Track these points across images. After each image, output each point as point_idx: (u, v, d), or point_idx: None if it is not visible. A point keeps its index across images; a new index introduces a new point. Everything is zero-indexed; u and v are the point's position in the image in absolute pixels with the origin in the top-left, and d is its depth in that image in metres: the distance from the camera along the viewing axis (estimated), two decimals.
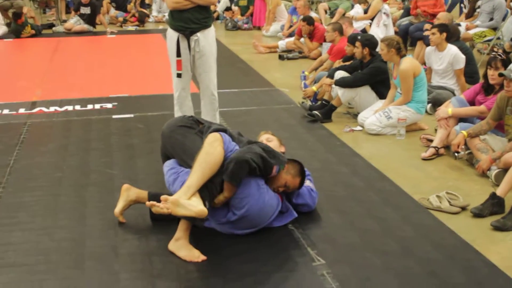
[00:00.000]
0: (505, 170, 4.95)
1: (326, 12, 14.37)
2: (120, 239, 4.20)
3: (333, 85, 7.26)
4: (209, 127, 4.30)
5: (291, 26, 13.23)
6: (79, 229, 4.36)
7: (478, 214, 4.56)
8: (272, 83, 9.26)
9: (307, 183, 4.53)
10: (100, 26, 15.51)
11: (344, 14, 11.99)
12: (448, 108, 6.01)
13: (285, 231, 4.28)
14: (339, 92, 7.13)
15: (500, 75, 5.36)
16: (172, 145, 4.34)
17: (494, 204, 4.60)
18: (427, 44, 8.15)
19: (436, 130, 6.29)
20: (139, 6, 17.05)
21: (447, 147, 5.96)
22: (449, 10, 11.68)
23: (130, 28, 16.18)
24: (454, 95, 7.28)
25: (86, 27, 15.21)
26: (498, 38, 10.07)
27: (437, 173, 5.54)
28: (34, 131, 6.87)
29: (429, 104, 7.32)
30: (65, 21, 16.33)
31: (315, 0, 16.38)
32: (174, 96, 5.89)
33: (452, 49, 7.52)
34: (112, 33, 15.04)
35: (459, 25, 9.66)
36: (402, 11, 12.40)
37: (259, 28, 15.49)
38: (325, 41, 10.19)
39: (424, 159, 5.85)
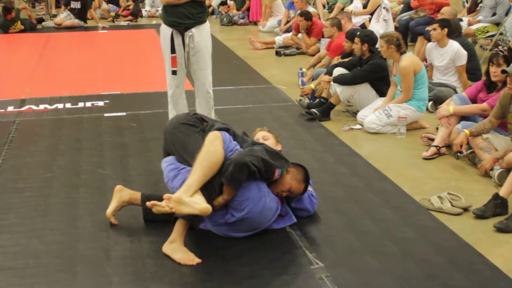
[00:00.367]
0: (508, 170, 4.97)
1: (324, 6, 14.39)
2: (112, 241, 4.20)
3: (332, 82, 7.26)
4: (212, 126, 4.29)
5: (288, 21, 13.23)
6: (70, 231, 4.35)
7: (481, 215, 4.57)
8: (269, 80, 9.27)
9: (308, 187, 4.54)
10: (91, 21, 15.52)
11: (342, 9, 11.99)
12: (449, 106, 6.02)
13: (283, 233, 4.29)
14: (338, 90, 7.13)
15: (503, 72, 5.37)
16: (174, 142, 4.35)
17: (497, 205, 4.60)
18: (428, 39, 8.15)
19: (437, 128, 6.30)
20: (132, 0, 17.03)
21: (448, 146, 5.98)
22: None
23: (123, 23, 16.18)
24: (456, 92, 7.29)
25: (76, 22, 15.21)
26: (501, 34, 10.09)
27: (438, 173, 5.55)
28: (23, 130, 6.87)
29: (430, 102, 7.33)
30: (55, 15, 16.33)
31: None
32: (168, 94, 5.90)
33: (454, 45, 7.53)
34: (103, 28, 15.05)
35: (461, 20, 9.68)
36: (402, 5, 12.42)
37: (255, 23, 15.50)
38: (323, 36, 10.21)
39: (425, 159, 5.86)
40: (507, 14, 10.22)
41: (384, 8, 10.88)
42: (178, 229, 4.01)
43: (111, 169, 5.57)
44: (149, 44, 12.87)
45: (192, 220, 3.99)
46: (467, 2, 11.59)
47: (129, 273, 3.79)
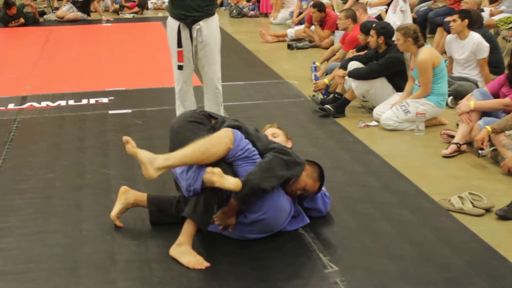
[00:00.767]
0: None
1: None
2: (117, 244, 4.22)
3: (346, 77, 7.26)
4: (223, 122, 4.27)
5: (300, 13, 13.23)
6: (73, 234, 4.37)
7: (504, 216, 4.55)
8: (281, 75, 9.27)
9: None
10: (95, 13, 15.57)
11: (357, 0, 11.97)
12: (470, 101, 6.00)
13: (295, 235, 4.29)
14: (353, 85, 7.13)
15: None
16: (180, 141, 4.31)
17: None
18: (448, 31, 8.12)
19: (457, 125, 6.28)
20: None
21: (469, 143, 5.96)
22: None
23: (127, 15, 16.23)
24: (477, 86, 7.27)
25: (79, 15, 15.27)
26: None
27: (459, 172, 5.54)
28: (24, 128, 6.90)
29: (450, 97, 7.31)
30: (57, 8, 16.41)
31: None
32: (175, 90, 5.91)
33: (475, 37, 7.51)
34: (107, 21, 15.10)
35: (482, 10, 9.64)
36: None
37: (266, 15, 15.51)
38: (337, 29, 10.19)
39: (445, 157, 5.85)
40: None
41: None
42: (187, 231, 4.02)
43: (116, 169, 5.59)
44: (155, 37, 12.90)
45: (203, 219, 3.99)
46: None
47: (134, 278, 3.81)
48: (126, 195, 4.49)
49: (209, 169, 3.86)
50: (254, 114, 7.26)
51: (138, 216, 4.52)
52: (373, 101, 7.25)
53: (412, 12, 11.24)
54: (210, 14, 5.68)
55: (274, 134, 4.83)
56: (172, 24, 5.68)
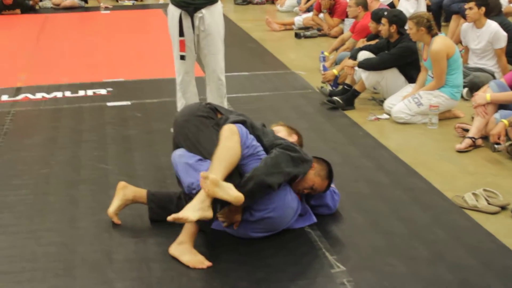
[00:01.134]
0: None
1: None
2: (115, 243, 4.24)
3: (356, 68, 7.26)
4: (226, 119, 4.30)
5: (308, 0, 13.21)
6: (69, 232, 4.39)
7: None
8: (287, 65, 9.27)
9: None
10: (93, 0, 15.55)
11: None
12: (486, 93, 5.99)
13: (301, 233, 4.31)
14: (363, 76, 7.13)
15: None
16: (185, 137, 4.32)
17: None
18: (465, 17, 8.09)
19: (472, 118, 6.28)
20: None
21: (485, 137, 5.96)
22: None
23: (127, 2, 16.22)
24: (494, 78, 7.26)
25: (76, 1, 15.28)
26: None
27: (473, 167, 5.54)
28: (18, 121, 6.93)
29: (465, 89, 7.30)
30: None
31: None
32: (176, 81, 5.92)
33: (492, 26, 7.50)
34: (106, 8, 15.10)
35: None
36: None
37: (272, 2, 15.50)
38: (347, 17, 10.19)
39: (459, 152, 5.85)
40: None
41: None
42: (188, 230, 4.03)
43: (114, 164, 5.61)
44: (156, 26, 12.91)
45: (204, 224, 4.01)
46: None
47: (133, 278, 3.83)
48: (125, 191, 4.50)
49: (203, 173, 3.86)
50: (259, 106, 7.27)
51: (137, 213, 4.54)
52: (384, 93, 7.25)
53: None
54: (213, 1, 5.68)
55: (276, 131, 4.82)
56: (173, 12, 5.69)
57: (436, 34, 6.66)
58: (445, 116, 6.72)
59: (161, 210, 4.42)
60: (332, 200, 4.55)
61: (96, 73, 8.94)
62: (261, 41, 11.16)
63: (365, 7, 9.00)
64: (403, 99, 6.75)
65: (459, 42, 8.38)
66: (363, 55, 7.28)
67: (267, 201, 4.10)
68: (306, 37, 11.41)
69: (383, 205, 4.74)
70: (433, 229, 4.36)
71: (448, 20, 10.56)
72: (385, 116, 6.88)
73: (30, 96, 7.83)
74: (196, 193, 3.98)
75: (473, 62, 7.73)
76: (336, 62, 8.47)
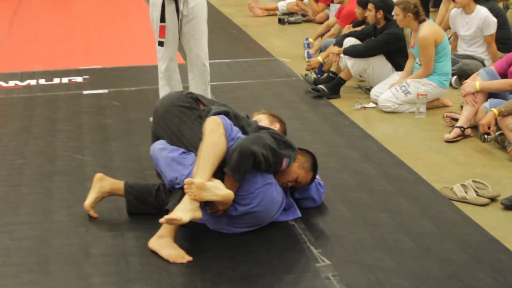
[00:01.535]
0: None
1: None
2: (91, 237, 4.22)
3: (342, 55, 7.26)
4: (209, 111, 4.28)
5: None
6: (44, 226, 4.37)
7: (510, 206, 4.58)
8: (270, 52, 9.27)
9: None
10: None
11: None
12: (476, 82, 6.01)
13: (285, 227, 4.31)
14: (349, 63, 7.13)
15: None
16: (166, 128, 4.31)
17: None
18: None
19: (461, 107, 6.30)
20: None
21: (474, 127, 5.98)
22: None
23: None
24: (484, 65, 7.29)
25: None
26: None
27: (462, 157, 5.57)
28: None
29: (454, 77, 7.33)
30: None
31: None
32: (159, 69, 5.89)
33: (482, 12, 7.52)
34: None
35: None
36: None
37: None
38: (332, 2, 10.19)
39: (447, 142, 5.87)
40: None
41: None
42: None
43: (90, 155, 5.58)
44: (135, 10, 12.84)
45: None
46: None
47: (110, 273, 3.81)
48: (102, 183, 4.48)
49: (187, 180, 3.86)
50: (241, 94, 7.26)
51: (114, 206, 4.53)
52: (371, 80, 7.26)
53: None
54: None
55: (258, 119, 4.81)
56: None
57: (424, 20, 6.66)
58: (434, 105, 6.75)
59: (139, 203, 4.42)
60: (317, 192, 4.56)
61: (71, 59, 8.90)
62: (243, 27, 11.13)
63: None
64: (390, 87, 6.77)
65: (448, 28, 8.39)
66: (349, 41, 7.27)
67: (251, 194, 4.09)
68: (290, 23, 11.40)
69: (369, 197, 4.74)
70: (421, 222, 4.37)
71: (437, 5, 10.57)
72: (371, 105, 6.89)
73: (2, 83, 7.77)
74: (180, 187, 3.98)
75: (462, 49, 7.75)
76: (321, 49, 8.46)
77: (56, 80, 7.88)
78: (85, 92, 7.40)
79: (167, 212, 4.01)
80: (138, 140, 5.82)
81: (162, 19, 5.65)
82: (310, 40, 9.09)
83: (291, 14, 11.83)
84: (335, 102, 7.00)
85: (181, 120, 4.28)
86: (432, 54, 6.60)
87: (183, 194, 3.94)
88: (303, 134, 5.92)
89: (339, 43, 7.39)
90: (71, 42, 10.10)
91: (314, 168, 4.40)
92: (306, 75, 7.73)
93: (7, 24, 11.46)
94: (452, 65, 6.96)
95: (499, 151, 5.64)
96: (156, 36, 5.75)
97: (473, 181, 4.83)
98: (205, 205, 4.02)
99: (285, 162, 4.23)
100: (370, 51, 7.09)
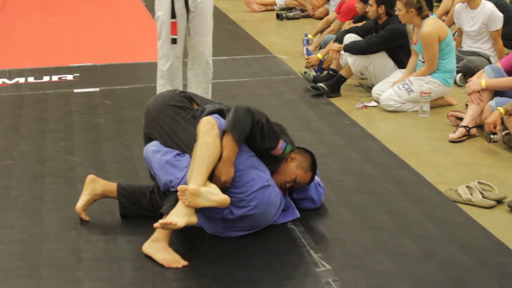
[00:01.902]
0: None
1: None
2: (83, 240, 4.22)
3: (342, 51, 7.27)
4: (203, 111, 4.29)
5: None
6: (34, 229, 4.37)
7: None
8: (268, 48, 9.28)
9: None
10: None
11: None
12: (481, 79, 6.02)
13: (284, 229, 4.31)
14: (350, 60, 7.14)
15: None
16: (159, 129, 4.31)
17: None
18: None
19: (466, 105, 6.31)
20: None
21: (480, 126, 5.99)
22: None
23: None
24: (490, 62, 7.30)
25: None
26: None
27: (467, 158, 5.57)
28: None
29: (459, 74, 7.34)
30: None
31: None
32: (160, 68, 5.88)
33: (487, 6, 7.53)
34: None
35: None
36: None
37: None
38: None
39: (452, 142, 5.88)
40: None
41: None
42: None
43: (81, 156, 5.59)
44: (127, 6, 12.82)
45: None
46: None
47: (103, 278, 3.82)
48: (94, 185, 4.48)
49: (181, 188, 3.87)
50: (238, 93, 7.27)
51: (106, 209, 4.53)
52: (372, 78, 7.27)
53: None
54: None
55: None
56: None
57: (427, 15, 6.67)
58: (437, 104, 6.75)
59: (132, 205, 4.42)
60: (317, 193, 4.56)
61: (61, 57, 8.89)
62: (240, 22, 11.14)
63: None
64: (392, 85, 6.77)
65: (452, 24, 8.40)
66: (350, 38, 7.28)
67: (247, 197, 4.09)
68: (288, 18, 11.41)
69: (371, 199, 4.75)
70: (425, 225, 4.38)
71: (440, 0, 10.58)
72: (373, 103, 6.89)
73: None
74: (175, 191, 3.99)
75: (467, 45, 7.76)
76: (321, 46, 8.47)
77: (46, 78, 7.88)
78: (75, 90, 7.40)
79: (161, 216, 4.02)
80: (131, 140, 5.82)
81: (173, 15, 5.65)
82: (309, 36, 9.09)
83: (289, 9, 11.83)
84: (335, 100, 7.01)
85: (174, 120, 4.29)
86: (435, 51, 6.61)
87: (178, 197, 3.95)
88: (302, 134, 5.92)
89: (339, 40, 7.40)
90: (61, 39, 10.10)
91: (313, 167, 4.40)
92: (305, 72, 7.73)
93: None
94: (457, 62, 6.97)
95: (505, 151, 5.65)
96: (161, 33, 5.74)
97: (479, 182, 4.84)
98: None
99: (281, 144, 4.23)
100: (372, 48, 7.10)
